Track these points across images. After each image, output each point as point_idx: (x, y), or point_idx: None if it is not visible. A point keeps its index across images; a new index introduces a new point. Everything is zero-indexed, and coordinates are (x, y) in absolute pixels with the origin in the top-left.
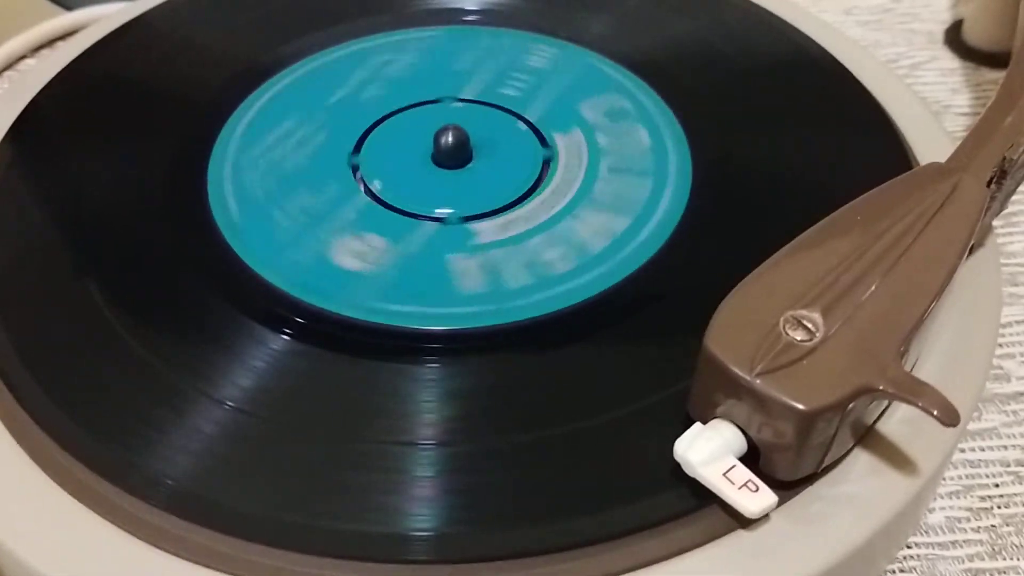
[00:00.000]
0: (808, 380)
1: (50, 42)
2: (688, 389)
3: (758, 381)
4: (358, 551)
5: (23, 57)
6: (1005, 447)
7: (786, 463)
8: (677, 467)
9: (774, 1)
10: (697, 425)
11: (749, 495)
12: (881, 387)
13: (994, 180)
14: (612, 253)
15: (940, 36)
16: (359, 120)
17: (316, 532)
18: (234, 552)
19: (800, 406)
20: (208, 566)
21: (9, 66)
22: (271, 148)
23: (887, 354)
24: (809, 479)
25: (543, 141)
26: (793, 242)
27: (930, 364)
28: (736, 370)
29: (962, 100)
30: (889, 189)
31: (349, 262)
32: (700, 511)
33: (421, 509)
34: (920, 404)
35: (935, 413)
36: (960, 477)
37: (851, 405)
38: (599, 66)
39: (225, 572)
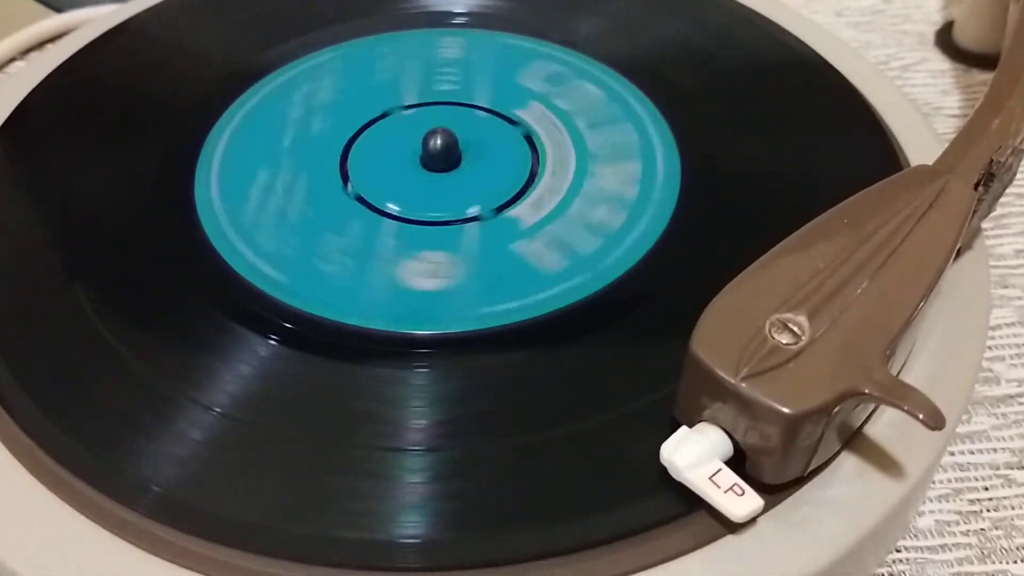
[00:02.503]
0: (794, 384)
1: (39, 44)
2: (675, 393)
3: (743, 385)
4: (345, 558)
5: (12, 60)
6: (995, 450)
7: (772, 467)
8: (664, 471)
9: (765, 2)
10: (683, 428)
11: (735, 499)
12: (867, 391)
13: (981, 183)
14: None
15: (931, 38)
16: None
17: (304, 539)
18: (221, 558)
19: (786, 410)
20: (194, 571)
21: None
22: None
23: (873, 357)
24: (796, 483)
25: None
26: (780, 245)
27: (919, 366)
28: (721, 374)
29: (952, 102)
30: (876, 192)
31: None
32: (686, 515)
33: (409, 515)
34: (905, 408)
35: (920, 417)
36: (949, 480)
37: (837, 409)
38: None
39: None
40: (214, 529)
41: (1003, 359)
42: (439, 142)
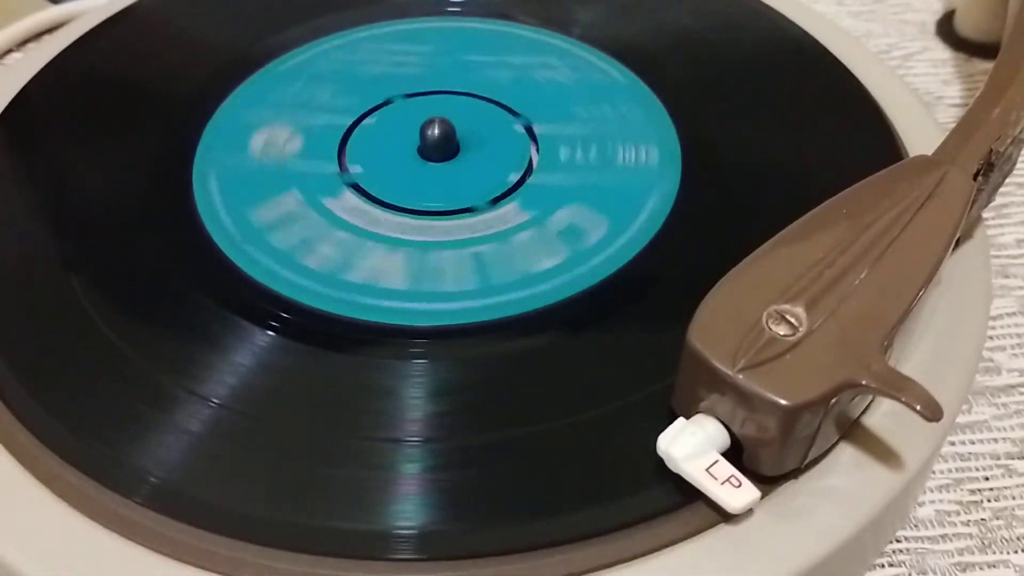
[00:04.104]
0: (791, 375)
1: (36, 36)
2: (672, 384)
3: (740, 376)
4: (342, 548)
5: (9, 51)
6: (995, 440)
7: (769, 458)
8: (661, 463)
9: None
10: (680, 420)
11: (732, 490)
12: (864, 382)
13: (981, 172)
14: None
15: (932, 27)
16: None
17: (301, 529)
18: (218, 549)
19: (782, 401)
20: (192, 564)
21: None
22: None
23: (870, 348)
24: (793, 474)
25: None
26: (777, 236)
27: (919, 356)
28: (719, 365)
29: (953, 91)
30: (875, 182)
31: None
32: (684, 506)
33: (406, 506)
34: (903, 399)
35: (917, 408)
36: (950, 470)
37: (834, 400)
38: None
39: (209, 570)
40: (210, 520)
41: (1004, 349)
42: (437, 132)
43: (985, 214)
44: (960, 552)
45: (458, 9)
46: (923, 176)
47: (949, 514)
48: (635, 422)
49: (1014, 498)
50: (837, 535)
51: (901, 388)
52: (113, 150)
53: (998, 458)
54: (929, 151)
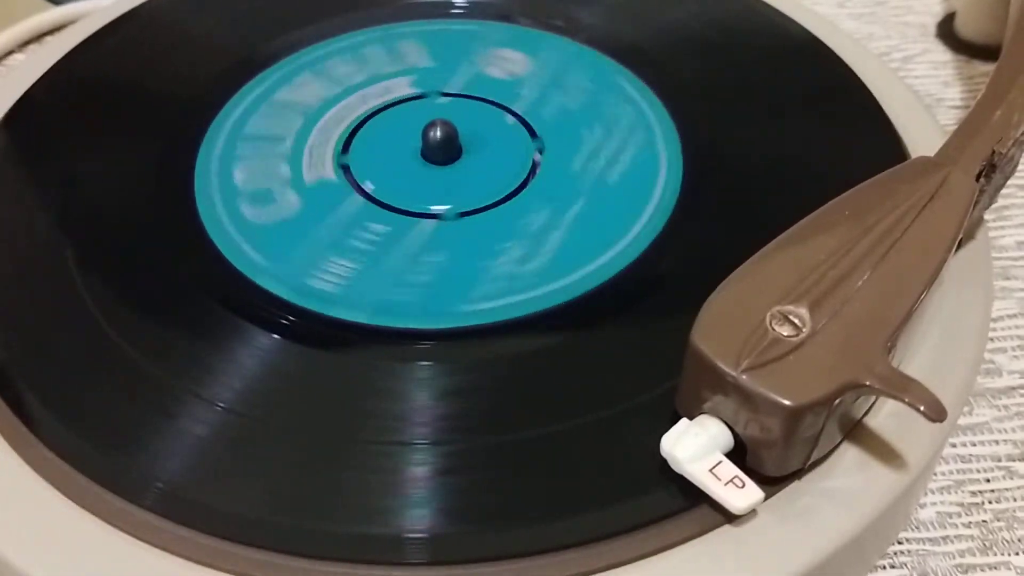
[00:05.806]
0: (794, 376)
1: (39, 37)
2: (676, 386)
3: (744, 377)
4: (350, 552)
5: (11, 52)
6: (996, 442)
7: (773, 459)
8: (665, 464)
9: None
10: (684, 421)
11: (735, 491)
12: (867, 383)
13: (983, 174)
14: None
15: (933, 29)
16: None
17: (308, 534)
18: (225, 554)
19: (786, 402)
20: (202, 566)
21: None
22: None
23: (874, 349)
24: (796, 475)
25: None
26: (780, 237)
27: (920, 358)
28: (722, 366)
29: (954, 93)
30: (877, 184)
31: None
32: (687, 508)
33: (413, 510)
34: (906, 400)
35: (921, 408)
36: (951, 472)
37: (838, 401)
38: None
39: (216, 574)
40: (219, 524)
41: (1005, 351)
42: (439, 134)
43: (986, 216)
44: (961, 554)
45: (460, 12)
46: (925, 178)
47: (950, 516)
48: (639, 424)
49: (1015, 500)
50: (840, 536)
51: (904, 389)
52: (117, 153)
53: (999, 460)
54: (931, 153)
